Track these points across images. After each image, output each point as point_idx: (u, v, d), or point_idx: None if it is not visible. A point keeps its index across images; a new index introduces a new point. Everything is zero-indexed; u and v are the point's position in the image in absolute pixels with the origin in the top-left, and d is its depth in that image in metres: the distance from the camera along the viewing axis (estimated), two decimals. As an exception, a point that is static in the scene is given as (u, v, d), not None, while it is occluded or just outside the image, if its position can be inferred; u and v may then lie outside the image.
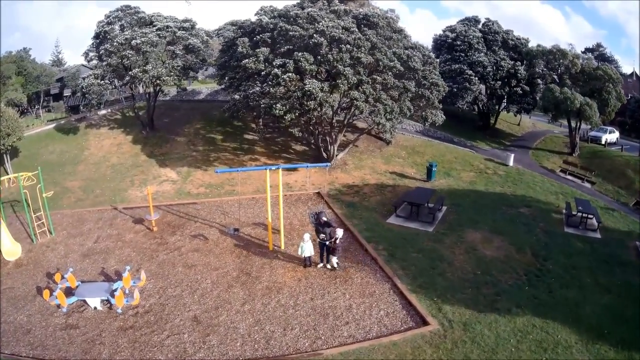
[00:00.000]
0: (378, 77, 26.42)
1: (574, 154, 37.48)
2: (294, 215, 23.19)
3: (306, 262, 17.80)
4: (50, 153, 32.00)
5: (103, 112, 38.78)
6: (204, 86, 47.80)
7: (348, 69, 25.32)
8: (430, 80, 28.54)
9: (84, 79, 32.66)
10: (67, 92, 43.02)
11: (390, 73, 26.63)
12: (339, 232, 17.43)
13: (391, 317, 14.96)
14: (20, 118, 35.96)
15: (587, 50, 47.47)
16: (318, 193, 26.08)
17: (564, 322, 14.63)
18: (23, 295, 16.21)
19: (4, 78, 35.84)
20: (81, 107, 34.92)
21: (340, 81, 25.45)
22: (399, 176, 29.91)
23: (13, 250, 18.92)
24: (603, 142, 41.54)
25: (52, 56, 67.46)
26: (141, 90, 35.10)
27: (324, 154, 30.49)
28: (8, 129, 26.03)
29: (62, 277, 16.30)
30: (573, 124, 37.00)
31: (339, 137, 30.50)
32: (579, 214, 22.43)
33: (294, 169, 29.62)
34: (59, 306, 15.12)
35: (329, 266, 17.80)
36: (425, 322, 14.58)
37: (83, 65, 34.48)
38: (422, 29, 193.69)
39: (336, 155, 30.90)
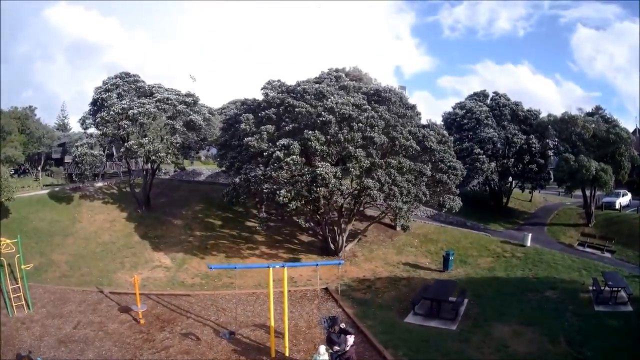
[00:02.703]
0: (392, 161, 24.84)
1: (590, 224, 36.14)
2: (300, 315, 20.62)
3: None
4: (40, 220, 30.58)
5: (99, 184, 37.53)
6: (205, 167, 46.82)
7: (360, 151, 23.86)
8: (448, 164, 27.10)
9: (77, 147, 31.23)
10: (68, 159, 41.88)
11: (404, 154, 25.31)
12: (350, 340, 15.18)
13: None
14: (19, 177, 34.42)
15: (587, 115, 47.57)
16: (326, 289, 23.62)
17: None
18: (-13, 378, 14.46)
19: (4, 133, 34.54)
20: (74, 177, 33.45)
21: (351, 165, 23.82)
22: (412, 267, 27.89)
23: None
24: (617, 207, 40.35)
25: (58, 120, 67.44)
26: (140, 165, 33.69)
27: (332, 245, 28.51)
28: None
29: None
30: (588, 193, 35.93)
31: (347, 227, 28.57)
32: (607, 288, 21.25)
33: (299, 261, 27.73)
34: None
35: (341, 380, 15.33)
36: None
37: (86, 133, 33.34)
38: (423, 110, 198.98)
39: (345, 247, 28.91)
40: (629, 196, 43.33)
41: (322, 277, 24.93)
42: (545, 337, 18.21)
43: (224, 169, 31.81)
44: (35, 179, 37.34)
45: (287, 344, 17.12)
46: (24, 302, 19.48)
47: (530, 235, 31.76)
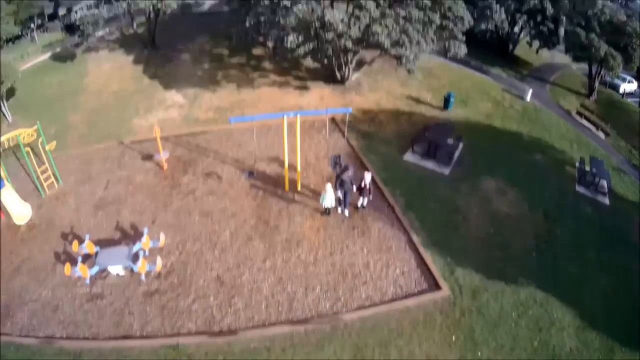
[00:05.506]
0: (402, 11, 24.06)
1: (591, 98, 35.83)
2: (309, 147, 21.92)
3: (326, 212, 17.49)
4: (48, 86, 29.33)
5: (101, 33, 35.83)
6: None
7: (369, 2, 23.09)
8: (456, 14, 25.96)
9: (76, 12, 29.64)
10: (62, 11, 39.77)
11: (415, 5, 24.37)
12: (367, 177, 16.85)
13: (406, 277, 15.25)
14: (14, 44, 33.26)
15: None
16: (332, 119, 24.49)
17: (562, 301, 14.98)
18: (42, 265, 15.58)
19: None
20: (77, 37, 32.29)
21: (362, 13, 23.20)
22: (414, 101, 28.29)
23: (24, 214, 17.63)
24: (621, 92, 39.75)
25: None
26: (140, 5, 31.76)
27: (338, 74, 28.71)
28: (2, 76, 23.78)
29: (80, 245, 15.39)
30: (594, 69, 34.87)
31: (354, 58, 28.35)
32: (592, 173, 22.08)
33: (307, 89, 28.16)
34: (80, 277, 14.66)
35: (346, 213, 17.58)
36: (437, 286, 15.01)
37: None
38: None
39: (351, 76, 29.09)
40: (634, 84, 41.52)
41: (330, 106, 25.53)
42: (525, 203, 19.64)
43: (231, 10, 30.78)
44: (31, 40, 35.55)
45: (299, 180, 19.02)
46: (53, 179, 19.50)
47: (531, 90, 31.54)
